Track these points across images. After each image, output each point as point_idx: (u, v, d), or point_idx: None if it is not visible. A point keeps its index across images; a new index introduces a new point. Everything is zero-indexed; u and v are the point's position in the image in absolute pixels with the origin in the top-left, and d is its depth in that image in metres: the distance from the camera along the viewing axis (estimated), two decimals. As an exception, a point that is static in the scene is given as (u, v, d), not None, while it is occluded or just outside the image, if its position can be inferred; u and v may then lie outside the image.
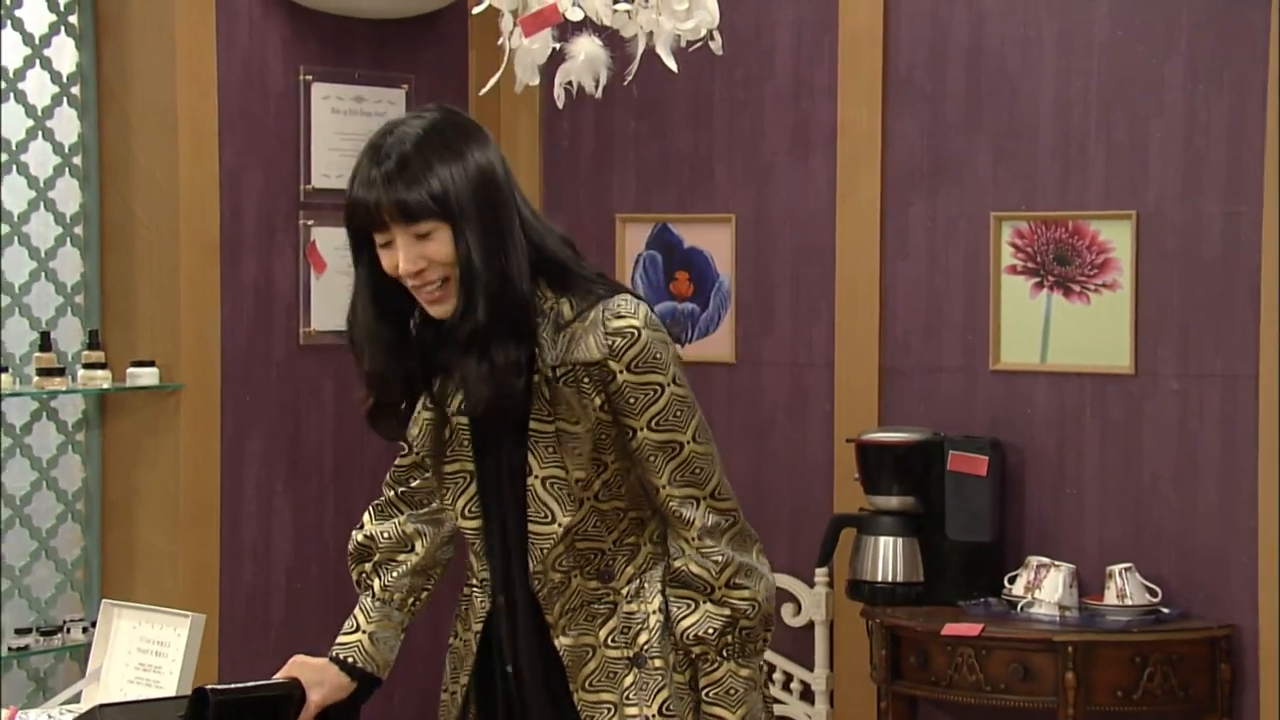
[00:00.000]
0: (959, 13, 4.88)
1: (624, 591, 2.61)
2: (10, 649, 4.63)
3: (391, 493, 2.80)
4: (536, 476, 2.57)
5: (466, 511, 2.65)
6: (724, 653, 2.58)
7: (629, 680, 2.59)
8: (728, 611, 2.57)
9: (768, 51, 5.14)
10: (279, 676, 2.66)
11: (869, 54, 4.97)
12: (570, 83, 4.04)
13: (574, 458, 2.56)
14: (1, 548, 4.71)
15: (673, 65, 3.96)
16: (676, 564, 2.59)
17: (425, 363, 2.62)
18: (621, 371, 2.54)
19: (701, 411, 2.60)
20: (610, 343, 2.53)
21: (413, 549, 2.76)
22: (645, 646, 2.60)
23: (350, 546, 2.80)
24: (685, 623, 2.59)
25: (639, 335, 2.54)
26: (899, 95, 4.96)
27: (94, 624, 3.33)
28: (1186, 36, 4.58)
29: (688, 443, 2.57)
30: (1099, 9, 4.70)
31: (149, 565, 4.81)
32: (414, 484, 2.77)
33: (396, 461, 2.80)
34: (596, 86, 3.90)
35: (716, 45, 4.01)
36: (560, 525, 2.57)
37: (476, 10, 4.06)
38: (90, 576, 4.88)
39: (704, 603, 2.58)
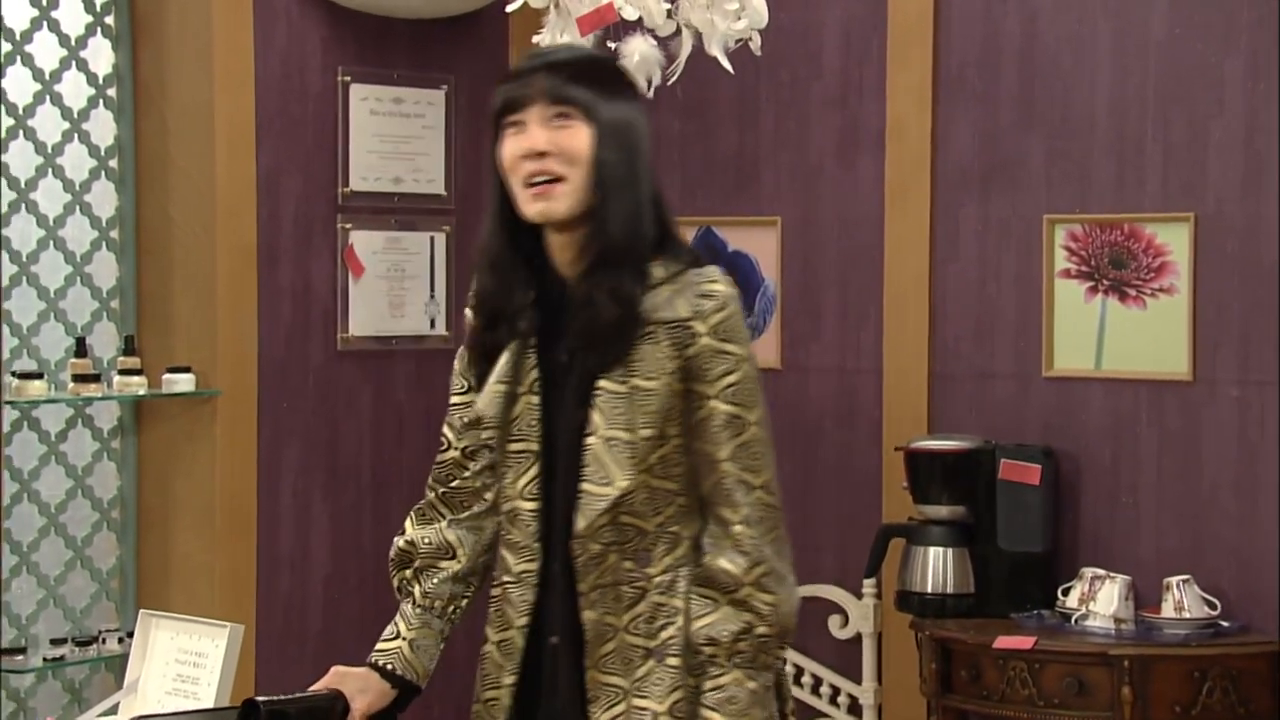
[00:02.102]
0: (1011, 9, 4.80)
1: (656, 581, 2.57)
2: (45, 659, 4.59)
3: (433, 494, 2.75)
4: (599, 436, 2.53)
5: (527, 493, 2.60)
6: (735, 659, 2.54)
7: (642, 670, 2.55)
8: (748, 616, 2.53)
9: (815, 51, 5.07)
10: (319, 687, 2.66)
11: (919, 53, 4.89)
12: (621, 83, 3.97)
13: (645, 415, 2.52)
14: (37, 557, 4.67)
15: (728, 66, 3.90)
16: (706, 559, 2.56)
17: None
18: (704, 335, 2.53)
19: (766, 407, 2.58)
20: (699, 305, 2.53)
21: (454, 556, 2.72)
22: (668, 641, 2.55)
23: (391, 552, 2.77)
24: (701, 622, 2.55)
25: (728, 304, 2.55)
26: (949, 95, 4.87)
27: (130, 634, 3.29)
28: (1247, 34, 4.48)
29: (753, 424, 2.56)
30: (1156, 5, 4.60)
31: (185, 574, 4.77)
32: (454, 484, 2.73)
33: (437, 458, 2.75)
34: (649, 87, 3.84)
35: (755, 45, 3.95)
36: (616, 488, 2.52)
37: (510, 8, 3.99)
38: (126, 586, 4.83)
39: (724, 604, 2.54)
